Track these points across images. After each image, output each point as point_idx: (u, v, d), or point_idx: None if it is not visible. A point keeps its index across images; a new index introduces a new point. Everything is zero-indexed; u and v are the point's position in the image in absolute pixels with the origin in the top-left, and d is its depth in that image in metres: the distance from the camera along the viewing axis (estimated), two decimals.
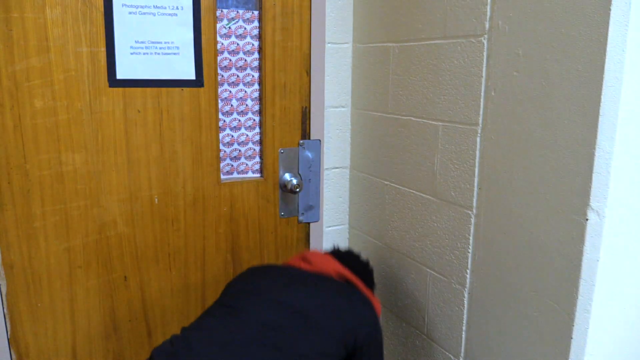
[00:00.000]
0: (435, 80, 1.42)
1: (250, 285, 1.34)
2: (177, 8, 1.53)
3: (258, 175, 1.78)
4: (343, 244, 1.95)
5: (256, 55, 1.70)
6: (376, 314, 1.33)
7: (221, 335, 1.19)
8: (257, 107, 1.74)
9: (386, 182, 1.68)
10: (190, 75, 1.58)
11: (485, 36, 1.24)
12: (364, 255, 1.56)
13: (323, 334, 1.21)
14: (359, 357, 1.26)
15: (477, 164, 1.31)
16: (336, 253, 1.50)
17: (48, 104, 1.42)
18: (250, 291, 1.31)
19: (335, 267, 1.38)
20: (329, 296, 1.29)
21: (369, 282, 1.48)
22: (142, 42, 1.50)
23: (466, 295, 1.38)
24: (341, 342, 1.23)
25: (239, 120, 1.72)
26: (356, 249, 1.90)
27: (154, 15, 1.50)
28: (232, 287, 1.38)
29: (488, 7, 1.23)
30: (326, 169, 1.85)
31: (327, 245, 1.91)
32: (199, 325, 1.24)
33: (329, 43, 1.76)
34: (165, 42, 1.53)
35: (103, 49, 1.46)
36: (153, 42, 1.52)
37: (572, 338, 1.09)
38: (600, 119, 1.00)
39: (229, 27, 1.65)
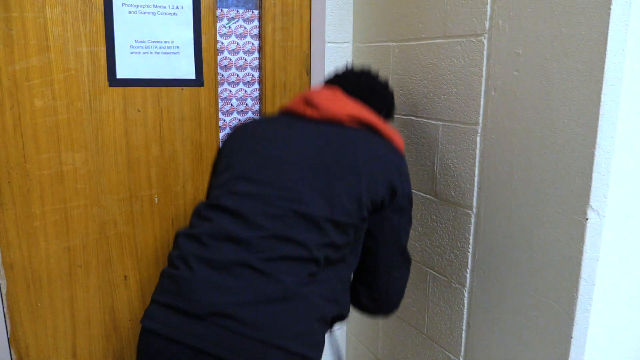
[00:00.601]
0: (436, 79, 1.41)
1: (255, 152, 1.11)
2: (177, 7, 1.52)
3: None
4: None
5: (256, 54, 1.70)
6: (402, 160, 1.15)
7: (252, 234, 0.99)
8: (257, 107, 1.74)
9: None
10: (191, 74, 1.58)
11: (486, 35, 1.24)
12: (381, 75, 1.31)
13: (346, 191, 1.04)
14: (384, 213, 1.10)
15: (477, 164, 1.30)
16: (346, 82, 1.24)
17: (48, 104, 1.42)
18: (259, 161, 1.09)
19: (346, 109, 1.14)
20: (345, 151, 1.08)
21: (388, 110, 1.29)
22: (142, 42, 1.50)
23: (466, 294, 1.38)
24: (366, 198, 1.05)
25: (239, 120, 1.72)
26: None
27: (154, 14, 1.50)
28: (230, 157, 1.15)
29: (488, 7, 1.23)
30: None
31: None
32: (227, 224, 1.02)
33: (329, 42, 1.76)
34: (165, 42, 1.53)
35: (103, 48, 1.46)
36: (153, 42, 1.52)
37: (572, 337, 1.09)
38: (600, 118, 0.99)
39: (229, 27, 1.65)
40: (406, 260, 1.22)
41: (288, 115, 1.20)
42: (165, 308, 0.99)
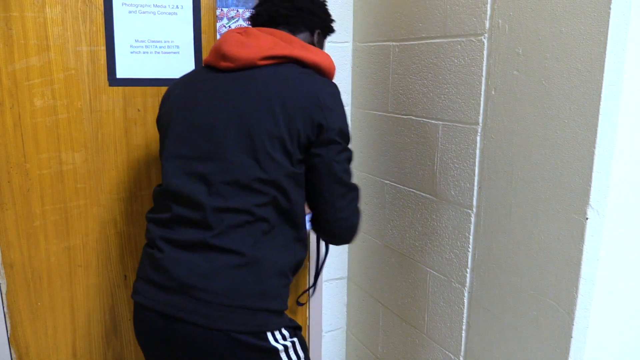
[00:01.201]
0: (436, 79, 1.41)
1: (184, 123, 1.13)
2: (177, 7, 1.52)
3: None
4: None
5: None
6: (324, 92, 1.09)
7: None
8: None
9: (386, 181, 1.68)
10: None
11: (486, 35, 1.24)
12: None
13: (270, 143, 1.05)
14: (313, 150, 1.09)
15: (477, 163, 1.30)
16: (265, 11, 1.20)
17: (48, 103, 1.42)
18: (189, 134, 1.11)
19: (258, 52, 1.09)
20: (261, 99, 1.07)
21: (323, 25, 1.24)
22: (142, 41, 1.50)
23: (466, 294, 1.38)
24: (290, 144, 1.06)
25: None
26: (356, 246, 1.90)
27: (154, 14, 1.50)
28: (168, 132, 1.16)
29: (488, 6, 1.23)
30: None
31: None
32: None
33: (329, 42, 1.76)
34: (165, 41, 1.53)
35: (103, 47, 1.46)
36: (153, 41, 1.52)
37: (572, 337, 1.09)
38: (600, 117, 0.99)
39: (229, 26, 1.65)
40: (349, 188, 1.18)
41: (208, 69, 1.17)
42: (146, 283, 1.13)
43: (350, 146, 1.16)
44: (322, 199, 1.16)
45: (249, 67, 1.11)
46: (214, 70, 1.16)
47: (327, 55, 1.19)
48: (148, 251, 1.15)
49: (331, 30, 1.30)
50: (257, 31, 1.14)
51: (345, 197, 1.17)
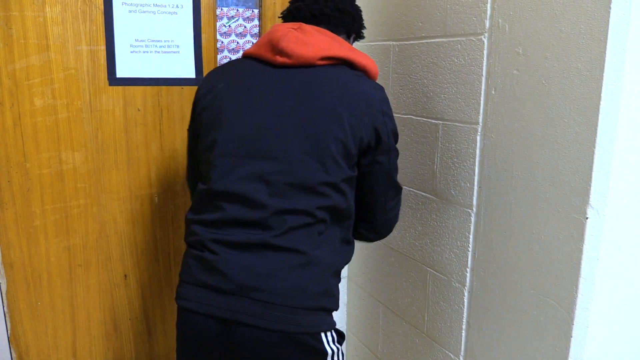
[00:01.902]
0: (436, 78, 1.41)
1: (238, 122, 1.10)
2: (177, 6, 1.52)
3: None
4: None
5: None
6: (382, 95, 1.11)
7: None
8: None
9: None
10: (191, 73, 1.58)
11: (486, 34, 1.24)
12: None
13: (335, 146, 1.05)
14: (374, 156, 1.12)
15: (477, 163, 1.31)
16: (310, 10, 1.18)
17: (48, 103, 1.42)
18: (246, 132, 1.08)
19: (318, 51, 1.09)
20: (324, 100, 1.06)
21: (358, 30, 1.26)
22: (142, 41, 1.50)
23: (466, 293, 1.38)
24: (353, 147, 1.07)
25: None
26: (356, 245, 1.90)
27: (154, 13, 1.50)
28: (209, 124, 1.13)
29: (488, 6, 1.23)
30: None
31: None
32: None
33: None
34: (165, 41, 1.53)
35: (103, 47, 1.46)
36: (153, 41, 1.52)
37: (572, 336, 1.09)
38: (600, 117, 0.99)
39: (229, 26, 1.65)
40: (398, 191, 1.25)
41: (256, 62, 1.15)
42: (197, 287, 1.07)
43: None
44: (376, 201, 1.20)
45: (307, 66, 1.10)
46: (265, 64, 1.13)
47: (372, 60, 1.19)
48: (196, 254, 1.09)
49: (362, 37, 1.32)
50: (312, 29, 1.13)
51: (396, 198, 1.24)
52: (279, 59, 1.10)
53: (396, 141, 1.17)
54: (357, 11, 1.25)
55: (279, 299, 1.02)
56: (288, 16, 1.22)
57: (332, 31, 1.18)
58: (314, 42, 1.10)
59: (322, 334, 1.07)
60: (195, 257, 1.09)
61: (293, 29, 1.12)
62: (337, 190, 1.08)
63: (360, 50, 1.18)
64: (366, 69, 1.16)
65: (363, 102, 1.08)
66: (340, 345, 1.13)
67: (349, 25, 1.22)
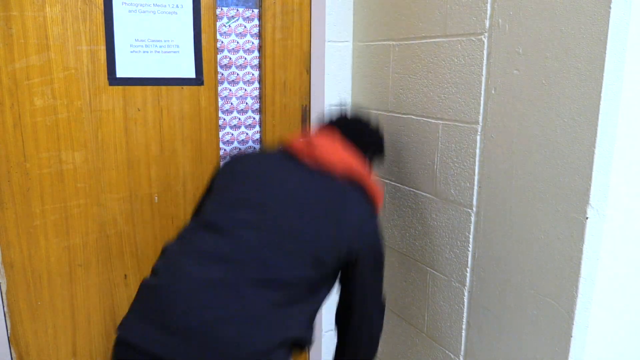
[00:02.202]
0: (436, 78, 1.41)
1: (249, 191, 1.18)
2: (177, 6, 1.52)
3: None
4: None
5: (256, 53, 1.70)
6: (373, 221, 1.22)
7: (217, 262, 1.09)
8: (257, 106, 1.74)
9: (386, 181, 1.68)
10: (190, 73, 1.58)
11: (486, 34, 1.24)
12: (373, 122, 1.41)
13: (317, 242, 1.12)
14: (354, 269, 1.18)
15: (477, 163, 1.30)
16: (343, 128, 1.31)
17: (48, 103, 1.42)
18: (250, 200, 1.16)
19: (342, 163, 1.21)
20: (327, 205, 1.16)
21: (379, 152, 1.41)
22: (142, 41, 1.50)
23: (466, 293, 1.38)
24: (334, 251, 1.14)
25: (239, 119, 1.72)
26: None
27: (154, 13, 1.50)
28: (228, 190, 1.22)
29: (488, 5, 1.23)
30: None
31: None
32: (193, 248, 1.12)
33: (329, 41, 1.76)
34: (165, 41, 1.53)
35: (103, 47, 1.46)
36: (153, 41, 1.52)
37: (572, 336, 1.09)
38: (600, 117, 0.99)
39: (229, 26, 1.65)
40: (381, 309, 1.32)
41: (287, 156, 1.25)
42: (142, 319, 1.06)
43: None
44: (364, 315, 1.26)
45: (327, 171, 1.20)
46: (293, 160, 1.23)
47: (381, 191, 1.29)
48: (150, 283, 1.11)
49: (383, 155, 1.45)
50: (342, 139, 1.27)
51: (382, 312, 1.32)
52: (307, 159, 1.21)
53: (382, 259, 1.25)
54: (380, 139, 1.41)
55: (220, 346, 1.01)
56: (329, 128, 1.34)
57: (357, 151, 1.29)
58: (341, 153, 1.23)
59: None
60: (149, 287, 1.11)
61: (329, 139, 1.26)
62: (299, 286, 1.11)
63: (377, 184, 1.28)
64: (374, 198, 1.24)
65: (357, 222, 1.17)
66: None
67: (371, 150, 1.36)
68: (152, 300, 1.07)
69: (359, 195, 1.21)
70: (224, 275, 1.05)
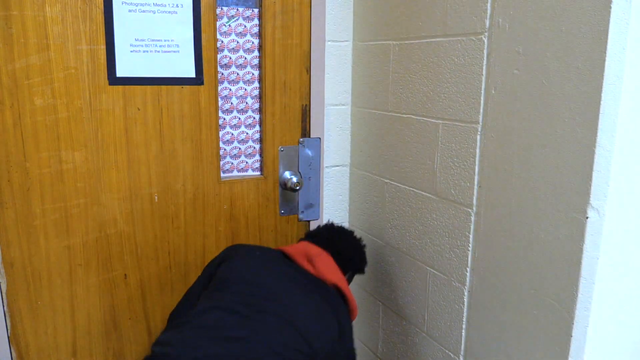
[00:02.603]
0: (436, 78, 1.41)
1: (254, 290, 1.31)
2: (177, 6, 1.52)
3: (258, 173, 1.78)
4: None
5: (256, 53, 1.70)
6: (350, 334, 1.36)
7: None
8: (257, 105, 1.74)
9: (386, 180, 1.68)
10: (190, 73, 1.58)
11: (486, 34, 1.24)
12: (357, 236, 1.60)
13: (295, 339, 1.22)
14: None
15: (477, 162, 1.30)
16: (334, 248, 1.48)
17: (48, 102, 1.42)
18: (254, 297, 1.29)
19: (334, 278, 1.39)
20: (319, 310, 1.31)
21: (362, 263, 1.58)
22: (142, 40, 1.50)
23: (466, 293, 1.38)
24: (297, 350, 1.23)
25: (239, 119, 1.72)
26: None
27: (154, 13, 1.50)
28: (231, 282, 1.34)
29: (488, 5, 1.23)
30: (326, 167, 1.85)
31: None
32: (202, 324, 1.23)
33: (329, 41, 1.76)
34: (165, 40, 1.53)
35: (103, 46, 1.46)
36: (153, 40, 1.51)
37: (572, 336, 1.09)
38: (601, 117, 0.99)
39: (229, 25, 1.64)
40: None
41: (288, 262, 1.42)
42: None
43: None
44: None
45: (321, 280, 1.37)
46: (293, 267, 1.40)
47: (356, 308, 1.47)
48: None
49: (363, 270, 1.61)
50: (333, 262, 1.44)
51: None
52: (307, 266, 1.40)
53: (353, 356, 1.36)
54: (363, 253, 1.58)
55: None
56: (312, 236, 1.54)
57: (340, 267, 1.46)
58: (334, 270, 1.42)
59: None
60: None
61: (325, 254, 1.44)
62: None
63: (354, 301, 1.45)
64: (351, 305, 1.42)
65: (335, 331, 1.29)
66: None
67: (352, 267, 1.54)
68: None
69: (341, 305, 1.37)
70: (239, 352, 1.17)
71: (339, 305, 1.35)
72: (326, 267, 1.41)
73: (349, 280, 1.55)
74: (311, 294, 1.33)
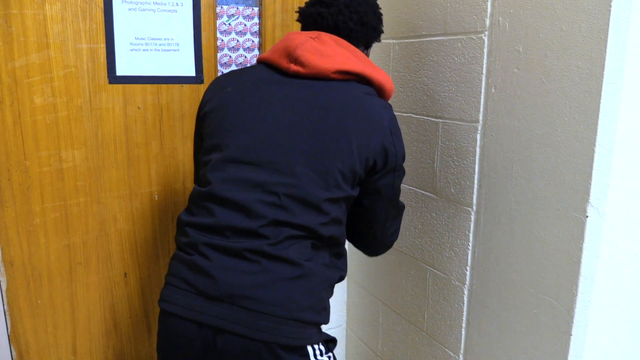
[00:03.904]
0: (436, 77, 1.41)
1: (244, 127, 1.07)
2: (177, 5, 1.52)
3: None
4: None
5: (256, 52, 1.69)
6: (391, 116, 1.10)
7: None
8: None
9: None
10: (190, 71, 1.58)
11: (486, 33, 1.24)
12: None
13: (340, 164, 1.04)
14: (380, 175, 1.11)
15: (477, 161, 1.30)
16: (331, 18, 1.14)
17: (48, 101, 1.42)
18: (249, 139, 1.06)
19: (334, 65, 1.07)
20: (334, 116, 1.05)
21: (377, 37, 1.22)
22: (142, 39, 1.50)
23: (466, 292, 1.38)
24: (359, 167, 1.06)
25: None
26: None
27: (154, 11, 1.50)
28: (218, 122, 1.11)
29: (488, 4, 1.22)
30: None
31: None
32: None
33: None
34: (165, 39, 1.53)
35: (103, 45, 1.46)
36: (153, 39, 1.51)
37: (571, 335, 1.09)
38: (601, 115, 0.99)
39: (229, 24, 1.64)
40: (400, 211, 1.24)
41: (269, 68, 1.13)
42: (183, 291, 1.03)
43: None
44: (377, 220, 1.19)
45: (320, 78, 1.08)
46: (278, 71, 1.12)
47: (388, 76, 1.17)
48: (186, 258, 1.05)
49: (379, 41, 1.28)
50: (331, 40, 1.11)
51: (397, 218, 1.23)
52: (293, 67, 1.08)
53: (403, 161, 1.15)
54: (380, 22, 1.22)
55: (270, 308, 0.99)
56: (309, 19, 1.18)
57: (352, 44, 1.15)
58: (331, 54, 1.08)
59: (309, 347, 1.04)
60: (184, 261, 1.05)
61: (311, 37, 1.10)
62: (337, 208, 1.07)
63: (381, 71, 1.15)
64: (382, 86, 1.14)
65: (372, 121, 1.07)
66: (331, 351, 1.10)
67: (370, 37, 1.20)
68: (188, 273, 1.04)
69: (366, 89, 1.10)
70: (247, 244, 1.01)
71: (355, 95, 1.08)
72: (317, 54, 1.07)
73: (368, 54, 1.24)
74: (308, 104, 1.06)
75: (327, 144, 1.04)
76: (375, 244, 1.25)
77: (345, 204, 1.10)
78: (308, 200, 1.03)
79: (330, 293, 1.11)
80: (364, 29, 1.17)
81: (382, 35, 1.61)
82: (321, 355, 1.06)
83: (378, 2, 1.26)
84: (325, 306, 1.09)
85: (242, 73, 1.17)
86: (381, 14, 1.23)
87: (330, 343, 1.12)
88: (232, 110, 1.09)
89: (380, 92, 1.15)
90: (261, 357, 0.99)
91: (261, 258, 1.00)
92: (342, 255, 1.15)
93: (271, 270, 1.00)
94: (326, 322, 1.09)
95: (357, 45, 1.18)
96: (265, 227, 1.01)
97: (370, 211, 1.17)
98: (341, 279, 1.16)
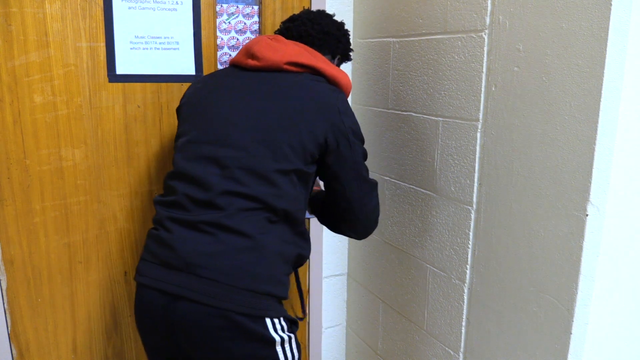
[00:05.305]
0: (436, 75, 1.41)
1: (204, 113, 1.19)
2: (177, 3, 1.52)
3: None
4: (343, 238, 1.95)
5: None
6: (340, 98, 1.19)
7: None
8: None
9: (386, 178, 1.68)
10: (190, 70, 1.58)
11: (486, 31, 1.24)
12: (335, 17, 1.36)
13: (288, 141, 1.12)
14: (336, 153, 1.17)
15: (477, 160, 1.30)
16: (294, 27, 1.30)
17: (48, 99, 1.42)
18: (208, 122, 1.17)
19: (285, 56, 1.19)
20: (283, 100, 1.15)
21: (344, 51, 1.36)
22: (141, 37, 1.50)
23: (466, 290, 1.38)
24: (310, 145, 1.14)
25: None
26: (355, 243, 1.90)
27: (154, 10, 1.50)
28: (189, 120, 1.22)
29: (489, 2, 1.22)
30: None
31: (328, 239, 1.91)
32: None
33: None
34: (165, 37, 1.53)
35: (103, 44, 1.46)
36: (153, 37, 1.51)
37: (571, 333, 1.09)
38: (601, 114, 0.99)
39: (229, 22, 1.64)
40: (373, 186, 1.28)
41: (234, 67, 1.28)
42: (150, 263, 1.14)
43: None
44: (353, 200, 1.23)
45: (274, 70, 1.20)
46: (240, 68, 1.25)
47: (346, 74, 1.27)
48: (153, 233, 1.16)
49: (349, 59, 1.41)
50: (289, 41, 1.25)
51: (372, 193, 1.26)
52: (250, 62, 1.21)
53: (358, 138, 1.22)
54: (344, 35, 1.36)
55: (223, 277, 1.06)
56: (281, 34, 1.32)
57: (316, 50, 1.27)
58: (284, 49, 1.21)
59: (268, 320, 1.09)
60: (152, 236, 1.16)
61: (269, 38, 1.25)
62: (288, 182, 1.13)
63: (336, 67, 1.26)
64: (336, 80, 1.24)
65: (320, 101, 1.16)
66: (293, 333, 1.15)
67: (334, 47, 1.33)
68: (155, 247, 1.14)
69: (316, 80, 1.20)
70: (205, 216, 1.10)
71: (305, 82, 1.18)
72: (271, 49, 1.19)
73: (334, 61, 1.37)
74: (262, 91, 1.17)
75: (276, 121, 1.13)
76: (359, 224, 1.29)
77: (297, 178, 1.15)
78: (257, 170, 1.11)
79: (288, 269, 1.17)
80: (325, 37, 1.31)
81: (382, 34, 1.61)
82: (282, 331, 1.12)
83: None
84: (280, 280, 1.14)
85: (214, 74, 1.31)
86: (347, 32, 1.37)
87: (293, 325, 1.17)
88: (198, 101, 1.23)
89: (337, 86, 1.24)
90: (217, 324, 1.06)
91: (217, 230, 1.08)
92: (304, 235, 1.21)
93: (224, 241, 1.08)
94: (284, 296, 1.14)
95: (322, 53, 1.30)
96: (219, 196, 1.09)
97: (343, 193, 1.24)
98: (300, 257, 1.20)
